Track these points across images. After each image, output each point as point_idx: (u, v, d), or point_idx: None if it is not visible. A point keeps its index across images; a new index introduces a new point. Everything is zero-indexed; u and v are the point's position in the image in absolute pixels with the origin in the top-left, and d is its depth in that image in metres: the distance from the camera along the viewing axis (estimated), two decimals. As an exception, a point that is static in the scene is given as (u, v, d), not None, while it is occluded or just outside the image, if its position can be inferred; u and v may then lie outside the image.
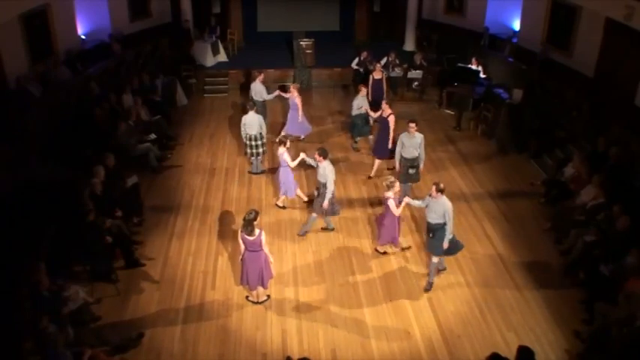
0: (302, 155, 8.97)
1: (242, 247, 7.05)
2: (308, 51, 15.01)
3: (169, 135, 11.97)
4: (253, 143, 10.26)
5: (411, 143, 9.14)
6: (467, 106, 13.05)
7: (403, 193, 9.82)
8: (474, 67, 13.19)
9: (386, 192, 7.94)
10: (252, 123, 10.16)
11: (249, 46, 16.96)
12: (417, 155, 9.23)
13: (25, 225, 7.63)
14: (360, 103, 11.14)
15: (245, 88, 14.69)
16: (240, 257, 7.20)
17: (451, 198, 7.64)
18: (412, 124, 9.09)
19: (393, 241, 8.37)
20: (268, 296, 7.60)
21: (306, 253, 8.55)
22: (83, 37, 13.46)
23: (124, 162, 9.90)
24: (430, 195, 7.38)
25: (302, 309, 7.46)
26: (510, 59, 13.76)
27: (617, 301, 6.64)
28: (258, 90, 11.68)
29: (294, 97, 11.32)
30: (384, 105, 10.16)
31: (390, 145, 10.03)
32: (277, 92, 11.95)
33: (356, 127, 11.50)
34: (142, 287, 7.79)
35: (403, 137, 9.21)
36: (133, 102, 11.49)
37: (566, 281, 7.91)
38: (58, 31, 12.14)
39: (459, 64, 13.45)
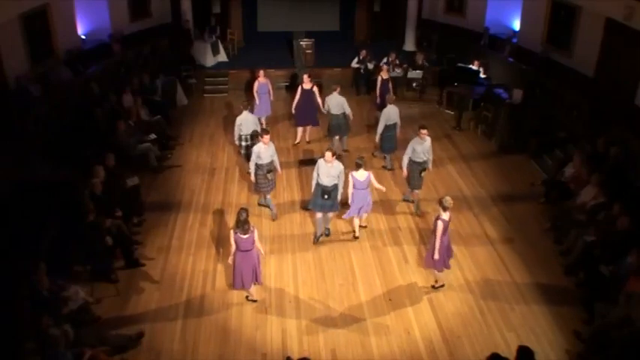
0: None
1: (233, 248, 7.02)
2: (308, 51, 15.01)
3: (169, 135, 11.95)
4: (250, 143, 10.10)
5: (422, 148, 9.08)
6: (467, 106, 13.05)
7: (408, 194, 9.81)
8: (474, 67, 13.18)
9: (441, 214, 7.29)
10: (247, 123, 10.14)
11: (249, 46, 16.94)
12: (426, 159, 9.17)
13: (25, 225, 7.64)
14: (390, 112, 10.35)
15: (247, 89, 14.69)
16: (230, 260, 7.17)
17: (451, 198, 7.58)
18: (424, 131, 8.98)
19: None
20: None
21: (306, 253, 8.55)
22: (83, 37, 13.45)
23: (124, 162, 9.91)
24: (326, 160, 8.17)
25: (302, 309, 7.46)
26: (510, 59, 13.75)
27: (617, 301, 6.64)
28: (338, 102, 10.80)
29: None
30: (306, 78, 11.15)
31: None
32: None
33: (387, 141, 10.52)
34: (141, 287, 7.79)
35: (414, 143, 9.04)
36: (133, 102, 11.49)
37: (566, 281, 7.92)
38: (58, 31, 12.12)
39: (459, 64, 13.44)
